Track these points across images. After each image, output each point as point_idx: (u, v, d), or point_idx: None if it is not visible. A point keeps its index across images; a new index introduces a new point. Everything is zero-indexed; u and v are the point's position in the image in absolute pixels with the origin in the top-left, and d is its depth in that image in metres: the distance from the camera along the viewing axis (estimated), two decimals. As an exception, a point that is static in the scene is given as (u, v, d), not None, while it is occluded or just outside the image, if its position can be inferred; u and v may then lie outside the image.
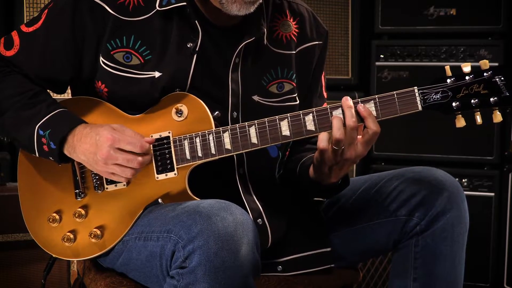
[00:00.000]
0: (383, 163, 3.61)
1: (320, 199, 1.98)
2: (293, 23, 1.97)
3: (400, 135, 3.56)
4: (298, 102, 1.95)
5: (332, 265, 1.93)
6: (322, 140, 1.73)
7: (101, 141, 1.70)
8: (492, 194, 3.43)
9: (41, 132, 1.76)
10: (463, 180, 3.46)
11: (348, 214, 1.95)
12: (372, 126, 1.72)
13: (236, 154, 1.84)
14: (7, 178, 2.80)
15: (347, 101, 1.72)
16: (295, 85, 1.95)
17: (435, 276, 1.84)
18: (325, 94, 2.07)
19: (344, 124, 1.72)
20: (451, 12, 3.48)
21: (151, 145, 1.79)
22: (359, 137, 1.74)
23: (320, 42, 2.00)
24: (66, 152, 1.77)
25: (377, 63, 3.60)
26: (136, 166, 1.71)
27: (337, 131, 1.71)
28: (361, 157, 1.77)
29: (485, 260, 3.41)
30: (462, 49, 3.47)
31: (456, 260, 1.85)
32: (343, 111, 1.73)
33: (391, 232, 1.88)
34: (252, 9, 1.79)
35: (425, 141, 3.52)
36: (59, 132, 1.75)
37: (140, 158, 1.70)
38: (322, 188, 1.86)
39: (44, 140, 1.76)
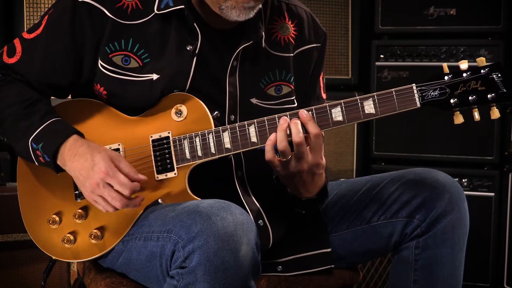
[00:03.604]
0: (383, 163, 3.61)
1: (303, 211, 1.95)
2: (292, 25, 1.97)
3: (400, 135, 3.56)
4: (296, 104, 1.95)
5: (332, 266, 1.93)
6: (267, 151, 1.75)
7: (94, 171, 1.69)
8: (492, 194, 3.43)
9: (34, 146, 1.76)
10: (463, 180, 3.46)
11: (348, 215, 1.95)
12: (312, 129, 1.73)
13: (234, 157, 1.84)
14: (7, 178, 2.80)
15: (293, 119, 1.73)
16: (293, 87, 1.95)
17: (435, 278, 1.84)
18: (324, 96, 2.06)
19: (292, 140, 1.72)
20: (451, 12, 3.48)
21: (151, 146, 1.80)
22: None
23: (318, 45, 2.00)
24: (58, 163, 1.77)
25: (377, 63, 3.60)
26: (119, 207, 1.70)
27: (280, 143, 1.72)
28: (320, 166, 1.77)
29: (485, 260, 3.41)
30: (462, 49, 3.47)
31: (456, 262, 1.85)
32: (289, 127, 1.73)
33: (391, 234, 1.88)
34: (251, 15, 1.79)
35: (425, 141, 3.52)
36: (51, 145, 1.75)
37: (125, 202, 1.69)
38: (300, 201, 1.87)
39: (38, 152, 1.76)
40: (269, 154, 1.75)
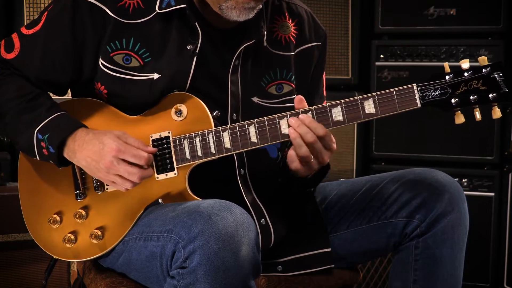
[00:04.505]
0: (383, 163, 3.61)
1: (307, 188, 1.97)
2: (292, 24, 1.97)
3: (400, 135, 3.56)
4: (296, 103, 1.95)
5: (332, 266, 1.93)
6: (293, 161, 1.75)
7: (105, 151, 1.70)
8: (492, 194, 3.43)
9: (40, 136, 1.76)
10: (463, 180, 3.46)
11: (348, 215, 1.95)
12: (319, 132, 1.72)
13: (236, 155, 1.84)
14: (7, 178, 2.80)
15: (294, 121, 1.73)
16: (294, 86, 1.95)
17: (435, 278, 1.84)
18: (324, 93, 2.07)
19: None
20: (451, 12, 3.48)
21: (151, 146, 1.79)
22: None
23: (318, 43, 2.00)
24: (65, 155, 1.77)
25: (377, 63, 3.60)
26: (136, 180, 1.71)
27: (300, 149, 1.72)
28: (331, 143, 1.77)
29: (485, 260, 3.41)
30: (462, 49, 3.47)
31: (456, 262, 1.85)
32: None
33: (391, 234, 1.88)
34: (251, 15, 1.79)
35: (425, 141, 3.52)
36: (58, 136, 1.75)
37: (141, 173, 1.71)
38: (306, 179, 1.87)
39: (43, 144, 1.76)
40: (296, 164, 1.76)
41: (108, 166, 1.70)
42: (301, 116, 1.73)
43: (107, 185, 1.81)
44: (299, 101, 1.76)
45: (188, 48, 1.82)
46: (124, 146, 1.71)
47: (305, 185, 1.92)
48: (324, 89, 2.06)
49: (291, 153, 1.77)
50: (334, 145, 1.76)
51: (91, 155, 1.72)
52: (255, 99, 1.89)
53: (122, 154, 1.70)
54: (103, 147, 1.71)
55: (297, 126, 1.72)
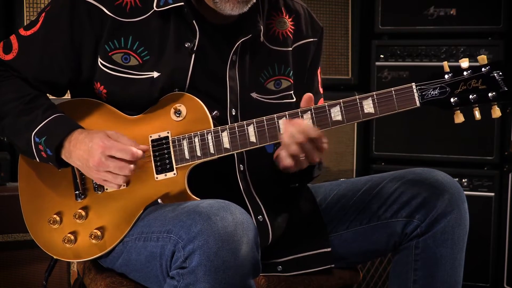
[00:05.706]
0: (383, 163, 3.60)
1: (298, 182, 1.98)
2: (289, 20, 1.97)
3: (400, 135, 3.56)
4: (294, 99, 1.95)
5: (332, 266, 1.93)
6: (285, 158, 1.75)
7: (93, 149, 1.70)
8: (492, 194, 3.43)
9: (37, 140, 1.77)
10: (463, 180, 3.46)
11: (348, 215, 1.95)
12: (312, 134, 1.72)
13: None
14: (7, 178, 2.80)
15: (284, 121, 1.74)
16: (292, 81, 1.95)
17: (435, 278, 1.84)
18: (321, 90, 2.07)
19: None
20: (451, 12, 3.48)
21: (150, 146, 1.80)
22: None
23: (315, 39, 2.01)
24: (63, 157, 1.78)
25: (377, 63, 3.59)
26: (127, 174, 1.71)
27: (292, 147, 1.72)
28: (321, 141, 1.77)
29: (485, 260, 3.41)
30: (462, 49, 3.46)
31: (456, 262, 1.85)
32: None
33: (391, 234, 1.88)
34: (245, 9, 1.79)
35: (425, 141, 3.52)
36: (54, 138, 1.75)
37: (132, 166, 1.70)
38: (298, 173, 1.87)
39: (41, 147, 1.77)
40: (288, 161, 1.75)
41: (96, 163, 1.70)
42: (296, 119, 1.73)
43: (106, 185, 1.82)
44: (307, 99, 1.76)
45: (186, 45, 1.82)
46: (110, 142, 1.70)
47: (295, 178, 1.92)
48: (320, 85, 2.06)
49: (281, 153, 1.76)
50: (326, 145, 1.76)
51: (82, 154, 1.73)
52: (254, 95, 1.90)
53: (109, 150, 1.69)
54: (92, 145, 1.71)
55: (287, 126, 1.72)
